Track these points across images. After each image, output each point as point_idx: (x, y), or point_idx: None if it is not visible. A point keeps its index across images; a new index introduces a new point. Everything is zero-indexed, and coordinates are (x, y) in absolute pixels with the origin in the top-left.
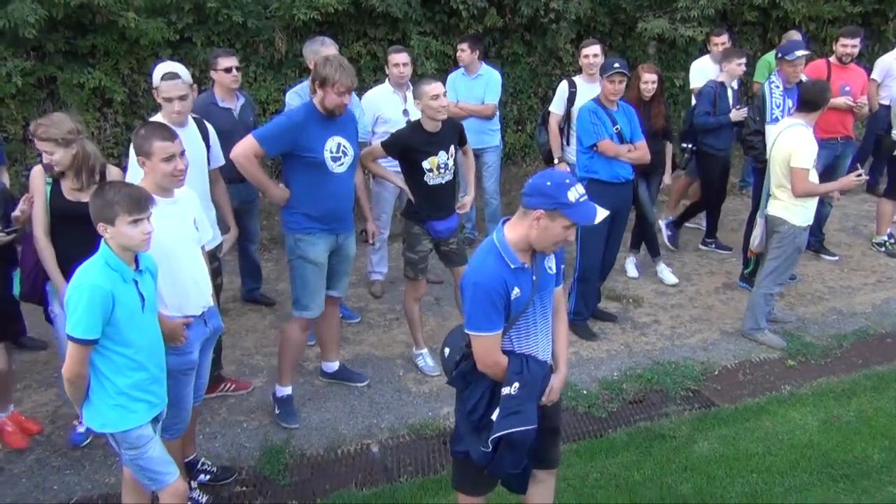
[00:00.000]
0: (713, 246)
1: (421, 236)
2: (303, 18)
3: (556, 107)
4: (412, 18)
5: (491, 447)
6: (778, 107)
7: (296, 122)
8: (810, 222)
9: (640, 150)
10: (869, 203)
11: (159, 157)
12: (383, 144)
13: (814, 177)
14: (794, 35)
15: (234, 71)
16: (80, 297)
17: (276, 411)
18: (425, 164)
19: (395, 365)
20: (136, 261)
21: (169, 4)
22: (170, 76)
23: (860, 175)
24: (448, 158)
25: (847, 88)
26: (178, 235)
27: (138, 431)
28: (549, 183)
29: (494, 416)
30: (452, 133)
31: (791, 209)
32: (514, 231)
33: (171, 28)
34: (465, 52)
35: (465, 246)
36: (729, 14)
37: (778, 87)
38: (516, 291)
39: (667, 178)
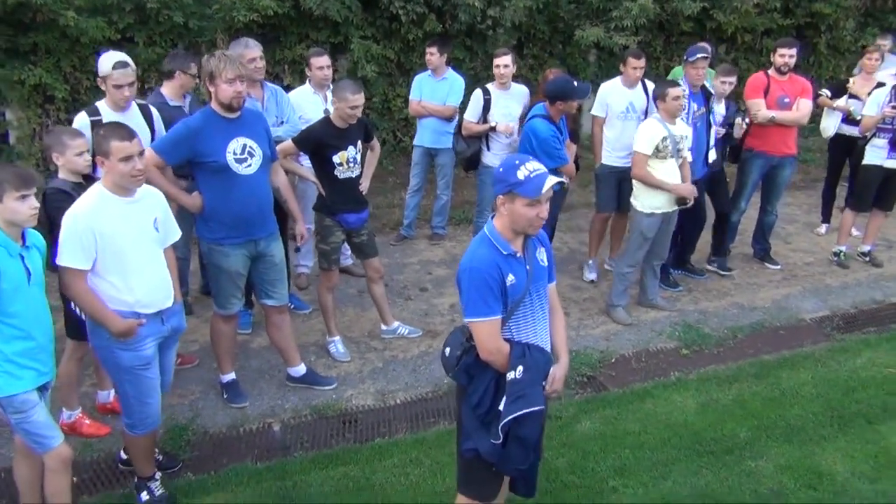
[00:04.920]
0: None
1: (333, 228)
2: (242, 20)
3: (472, 115)
4: (353, 22)
5: (501, 438)
6: (684, 109)
7: (192, 127)
8: (656, 210)
9: (571, 151)
10: (791, 206)
11: (117, 157)
12: (294, 140)
13: (671, 167)
14: (701, 43)
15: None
16: None
17: (225, 396)
18: (335, 159)
19: (308, 351)
20: (24, 237)
21: (110, 4)
22: (121, 65)
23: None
24: (356, 153)
25: (786, 100)
26: (134, 235)
27: (23, 396)
28: (501, 169)
29: (501, 406)
30: (360, 129)
31: (637, 196)
32: (499, 220)
33: (113, 27)
34: (434, 55)
35: (374, 236)
36: (665, 24)
37: (685, 90)
38: (511, 278)
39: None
